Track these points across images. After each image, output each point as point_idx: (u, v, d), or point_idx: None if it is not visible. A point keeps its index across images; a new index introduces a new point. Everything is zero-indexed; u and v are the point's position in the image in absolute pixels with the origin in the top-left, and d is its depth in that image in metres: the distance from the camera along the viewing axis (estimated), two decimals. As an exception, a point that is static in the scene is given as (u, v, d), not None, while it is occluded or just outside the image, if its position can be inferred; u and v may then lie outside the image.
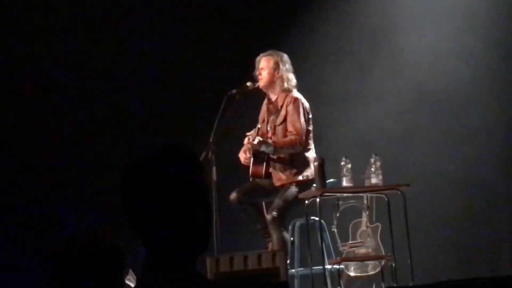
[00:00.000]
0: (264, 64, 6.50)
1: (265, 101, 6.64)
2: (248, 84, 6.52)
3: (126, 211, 2.00)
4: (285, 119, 6.42)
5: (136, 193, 1.99)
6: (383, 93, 8.04)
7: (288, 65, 6.51)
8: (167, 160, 2.00)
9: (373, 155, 6.22)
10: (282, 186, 6.39)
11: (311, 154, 6.44)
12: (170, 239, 1.97)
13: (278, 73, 6.47)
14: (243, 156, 6.51)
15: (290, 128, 6.38)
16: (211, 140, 6.34)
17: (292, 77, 6.50)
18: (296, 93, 6.49)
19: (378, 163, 6.19)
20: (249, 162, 6.49)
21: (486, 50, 7.95)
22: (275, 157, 6.42)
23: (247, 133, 6.53)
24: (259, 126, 6.56)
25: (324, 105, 7.75)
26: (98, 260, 2.53)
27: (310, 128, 6.46)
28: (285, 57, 6.53)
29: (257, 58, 6.54)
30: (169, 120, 7.92)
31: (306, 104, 6.48)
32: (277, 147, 6.35)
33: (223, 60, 7.89)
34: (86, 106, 7.98)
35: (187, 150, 2.01)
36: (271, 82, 6.50)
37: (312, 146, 6.48)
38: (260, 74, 6.50)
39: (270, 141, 6.38)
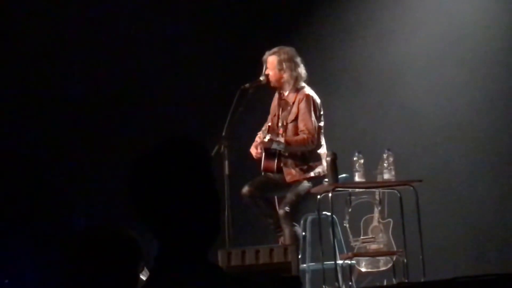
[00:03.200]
0: (270, 64, 6.49)
1: (276, 95, 6.63)
2: (261, 78, 6.51)
3: (135, 204, 2.01)
4: (296, 117, 6.40)
5: (145, 185, 2.00)
6: (396, 87, 8.03)
7: (294, 61, 6.45)
8: (175, 152, 2.01)
9: (386, 151, 6.21)
10: (294, 182, 6.39)
11: (322, 150, 6.43)
12: (180, 229, 1.98)
13: (284, 72, 6.44)
14: (254, 151, 6.51)
15: (302, 127, 6.36)
16: (223, 134, 6.34)
17: (300, 71, 6.46)
18: (307, 90, 6.47)
19: (391, 159, 6.17)
20: (260, 157, 6.49)
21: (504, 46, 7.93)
22: (286, 153, 6.41)
23: (258, 133, 6.53)
24: (269, 124, 6.54)
25: (337, 99, 7.75)
26: (114, 254, 2.53)
27: (322, 124, 6.45)
28: (291, 52, 6.48)
29: (264, 57, 6.52)
30: (181, 115, 7.92)
31: (318, 100, 6.46)
32: (288, 146, 6.35)
33: (236, 54, 7.88)
34: (97, 102, 7.98)
35: (194, 142, 2.03)
36: (279, 81, 6.49)
37: (323, 142, 6.47)
38: (268, 73, 6.49)
39: (281, 139, 6.36)
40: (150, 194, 1.99)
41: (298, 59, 6.47)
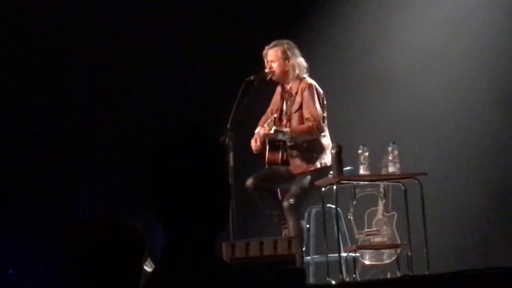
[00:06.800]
0: (272, 56, 6.48)
1: (278, 90, 6.63)
2: (267, 70, 6.51)
3: (148, 193, 2.01)
4: (300, 106, 6.41)
5: (159, 175, 2.00)
6: (401, 80, 8.01)
7: (295, 50, 6.49)
8: (189, 143, 2.02)
9: (391, 144, 6.20)
10: (299, 174, 6.38)
11: (326, 141, 6.43)
12: (190, 220, 1.99)
13: (288, 61, 6.46)
14: (254, 144, 6.51)
15: (306, 114, 6.37)
16: (228, 126, 6.34)
17: (301, 61, 6.49)
18: (309, 79, 6.48)
19: (396, 152, 6.16)
20: (259, 150, 6.49)
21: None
22: (291, 144, 6.41)
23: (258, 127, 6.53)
24: (275, 115, 6.54)
25: (342, 92, 7.74)
26: (118, 244, 2.53)
27: (325, 114, 6.45)
28: (291, 43, 6.52)
29: (264, 52, 6.53)
30: (186, 106, 7.92)
31: (320, 90, 6.47)
32: (293, 135, 6.35)
33: (241, 46, 7.87)
34: (103, 91, 8.00)
35: (208, 133, 2.03)
36: (284, 72, 6.49)
37: (327, 133, 6.47)
38: (271, 67, 6.48)
39: (285, 129, 6.36)
40: (163, 183, 1.99)
41: (298, 50, 6.50)
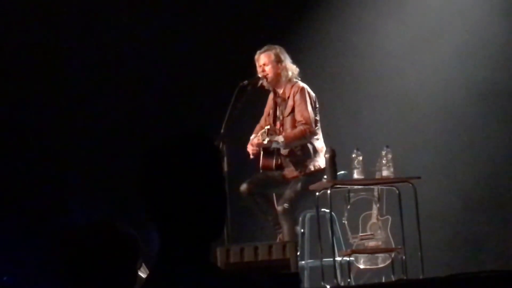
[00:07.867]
0: (265, 60, 6.51)
1: (271, 96, 6.65)
2: (259, 75, 6.52)
3: (143, 197, 2.01)
4: (293, 110, 6.42)
5: (155, 179, 2.00)
6: (394, 84, 8.02)
7: (286, 55, 6.54)
8: (187, 148, 2.01)
9: (385, 147, 6.21)
10: (293, 178, 6.39)
11: (319, 144, 6.45)
12: (186, 226, 1.98)
13: (281, 64, 6.50)
14: (250, 148, 6.52)
15: (298, 117, 6.38)
16: (222, 131, 6.34)
17: (293, 65, 6.52)
18: (301, 83, 6.51)
19: (390, 155, 6.17)
20: (256, 153, 6.50)
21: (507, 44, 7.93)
22: (286, 151, 6.41)
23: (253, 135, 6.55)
24: (268, 127, 6.53)
25: (335, 97, 7.75)
26: (113, 250, 2.53)
27: (317, 117, 6.46)
28: (282, 48, 6.56)
29: (256, 57, 6.55)
30: (180, 111, 7.92)
31: (312, 94, 6.50)
32: (287, 142, 6.35)
33: (235, 51, 7.88)
34: (98, 95, 7.99)
35: (207, 138, 2.03)
36: (277, 75, 6.51)
37: (320, 135, 6.49)
38: (263, 70, 6.50)
39: (280, 138, 6.35)
40: (158, 187, 1.99)
41: (288, 56, 6.53)
